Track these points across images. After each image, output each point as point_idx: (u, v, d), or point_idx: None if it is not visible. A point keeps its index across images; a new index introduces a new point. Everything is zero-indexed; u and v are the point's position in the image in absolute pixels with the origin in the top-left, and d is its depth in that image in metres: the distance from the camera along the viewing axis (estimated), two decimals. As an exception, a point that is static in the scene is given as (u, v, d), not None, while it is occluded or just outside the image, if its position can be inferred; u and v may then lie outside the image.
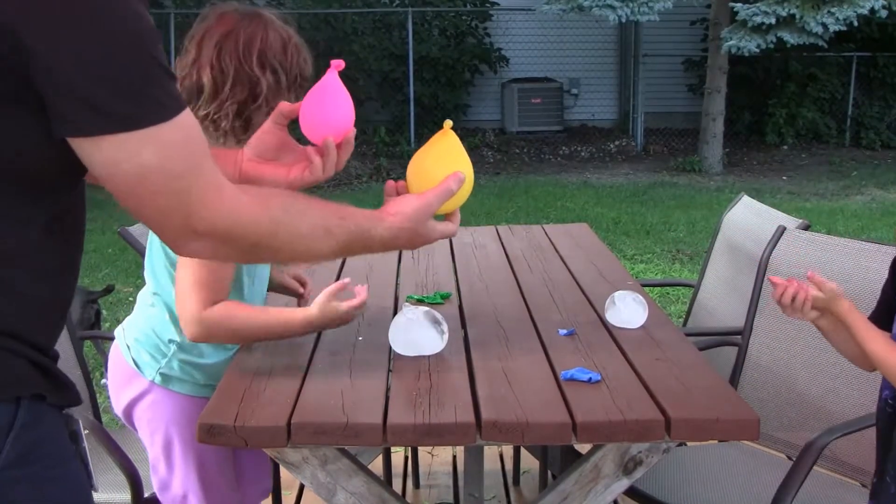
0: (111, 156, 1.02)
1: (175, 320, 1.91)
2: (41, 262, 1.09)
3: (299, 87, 1.90)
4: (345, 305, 1.87)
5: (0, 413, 1.04)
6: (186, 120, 1.07)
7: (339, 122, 1.49)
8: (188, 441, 1.96)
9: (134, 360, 1.97)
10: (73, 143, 1.02)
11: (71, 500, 1.14)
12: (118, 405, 2.04)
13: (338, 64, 1.49)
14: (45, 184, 1.05)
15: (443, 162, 1.53)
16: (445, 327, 1.90)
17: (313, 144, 1.51)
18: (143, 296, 2.01)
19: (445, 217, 1.56)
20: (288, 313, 1.92)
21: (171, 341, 1.95)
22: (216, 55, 1.84)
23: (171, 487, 2.02)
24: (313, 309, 1.87)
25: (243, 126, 1.86)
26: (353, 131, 1.52)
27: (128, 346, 1.99)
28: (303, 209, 1.27)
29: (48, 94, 0.98)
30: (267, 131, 1.56)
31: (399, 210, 1.44)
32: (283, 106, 1.54)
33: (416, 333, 1.88)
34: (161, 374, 1.96)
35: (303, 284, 2.24)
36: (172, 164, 1.05)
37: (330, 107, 1.49)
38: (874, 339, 1.73)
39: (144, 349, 1.97)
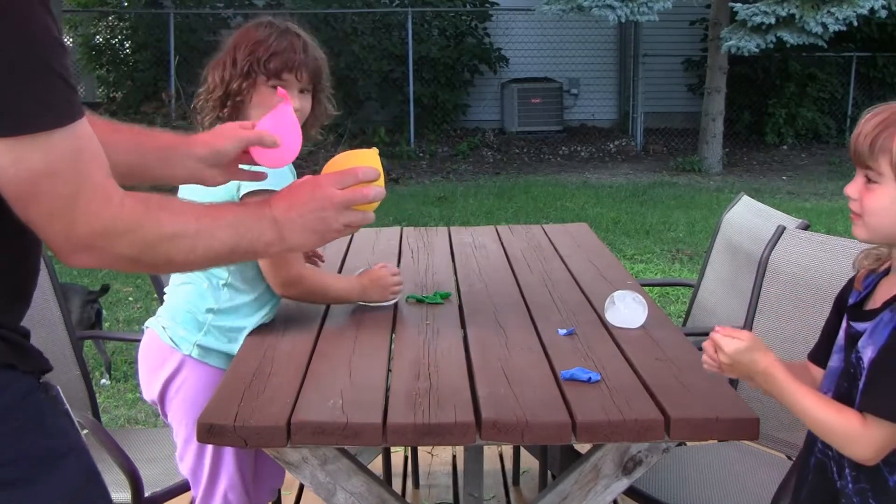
0: (0, 159, 1.05)
1: (213, 287, 2.02)
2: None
3: (256, 74, 2.01)
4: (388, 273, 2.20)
5: None
6: (81, 128, 1.10)
7: (292, 154, 1.63)
8: None
9: (171, 338, 2.03)
10: None
11: (49, 454, 1.18)
12: (152, 389, 2.08)
13: (283, 94, 1.69)
14: None
15: (346, 161, 1.54)
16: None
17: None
18: (174, 278, 2.10)
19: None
20: (346, 282, 2.24)
21: (208, 310, 2.02)
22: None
23: (204, 467, 2.04)
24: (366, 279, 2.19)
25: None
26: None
27: (163, 328, 2.06)
28: (184, 209, 1.27)
29: None
30: (224, 154, 1.62)
31: (281, 192, 1.41)
32: (243, 135, 1.61)
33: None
34: (198, 346, 2.01)
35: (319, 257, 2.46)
36: (62, 171, 1.08)
37: (285, 139, 1.60)
38: (803, 397, 1.45)
39: (180, 326, 2.03)
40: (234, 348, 2.03)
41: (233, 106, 2.02)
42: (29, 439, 1.15)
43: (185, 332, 2.03)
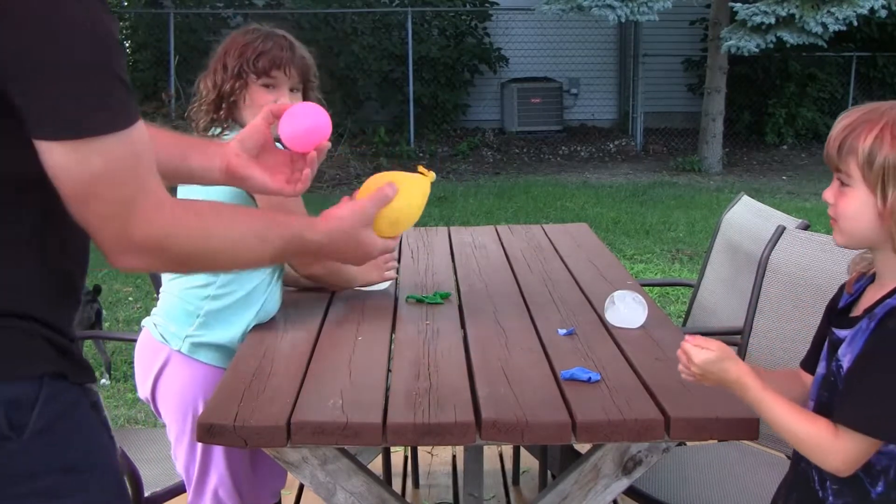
0: (61, 160, 1.07)
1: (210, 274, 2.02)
2: (48, 247, 1.15)
3: (247, 73, 2.06)
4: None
5: (25, 388, 1.12)
6: (138, 132, 1.12)
7: (322, 135, 1.60)
8: None
9: (161, 335, 2.05)
10: (35, 145, 1.07)
11: (92, 465, 1.21)
12: (145, 387, 2.09)
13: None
14: (33, 180, 1.10)
15: (392, 179, 1.61)
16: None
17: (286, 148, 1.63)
18: (168, 275, 2.12)
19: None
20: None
21: (206, 297, 2.03)
22: None
23: (194, 464, 2.05)
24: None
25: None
26: (328, 143, 1.62)
27: (154, 325, 2.08)
28: (236, 220, 1.32)
29: (16, 100, 1.04)
30: (255, 129, 1.62)
31: (333, 214, 1.49)
32: (273, 106, 1.63)
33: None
34: (189, 342, 2.02)
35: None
36: (120, 175, 1.10)
37: (311, 119, 1.61)
38: (774, 406, 1.42)
39: (172, 320, 2.04)
40: (226, 339, 2.04)
41: (227, 108, 2.08)
42: (72, 451, 1.17)
43: (176, 328, 2.03)
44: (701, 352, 1.44)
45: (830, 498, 1.46)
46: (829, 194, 1.43)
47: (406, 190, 1.60)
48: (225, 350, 2.04)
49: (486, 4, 12.58)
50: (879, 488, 1.41)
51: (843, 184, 1.40)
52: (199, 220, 1.24)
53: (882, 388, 1.35)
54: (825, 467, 1.41)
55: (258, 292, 2.09)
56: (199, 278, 2.04)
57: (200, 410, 1.98)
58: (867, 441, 1.35)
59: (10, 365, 1.12)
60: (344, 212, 1.50)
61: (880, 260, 1.42)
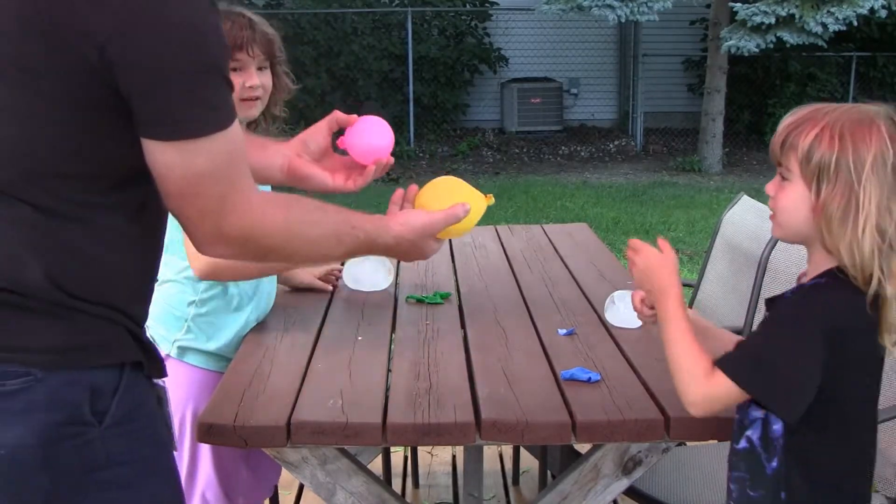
0: (170, 159, 1.12)
1: (192, 279, 2.00)
2: (135, 241, 1.21)
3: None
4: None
5: (108, 376, 1.17)
6: (235, 130, 1.17)
7: (385, 152, 1.64)
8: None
9: (151, 337, 2.00)
10: (143, 143, 1.12)
11: (158, 459, 1.26)
12: None
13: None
14: (134, 174, 1.15)
15: (460, 192, 1.63)
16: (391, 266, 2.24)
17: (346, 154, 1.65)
18: (160, 277, 2.07)
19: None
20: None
21: (190, 303, 2.01)
22: None
23: (183, 467, 2.02)
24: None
25: None
26: (390, 159, 1.66)
27: (146, 328, 2.04)
28: (318, 219, 1.36)
29: (130, 100, 1.09)
30: (319, 132, 1.66)
31: (407, 221, 1.51)
32: (339, 114, 1.66)
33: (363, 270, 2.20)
34: (177, 346, 2.01)
35: (332, 284, 2.40)
36: (220, 172, 1.16)
37: (377, 138, 1.64)
38: (677, 328, 1.47)
39: (160, 324, 2.02)
40: (215, 346, 2.02)
41: None
42: (144, 444, 1.22)
43: (165, 332, 2.02)
44: (652, 248, 1.54)
45: (730, 472, 1.50)
46: (770, 187, 1.48)
47: (472, 211, 1.62)
48: (214, 354, 2.04)
49: (486, 4, 12.58)
50: (774, 464, 1.43)
51: (783, 178, 1.44)
52: (284, 217, 1.28)
53: (759, 347, 1.42)
54: (684, 399, 1.46)
55: (244, 298, 2.08)
56: (182, 289, 2.02)
57: (189, 414, 1.99)
58: (731, 389, 1.39)
59: (97, 352, 1.16)
60: (416, 221, 1.51)
61: (811, 254, 1.46)
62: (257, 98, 2.03)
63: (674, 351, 1.47)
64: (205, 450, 2.01)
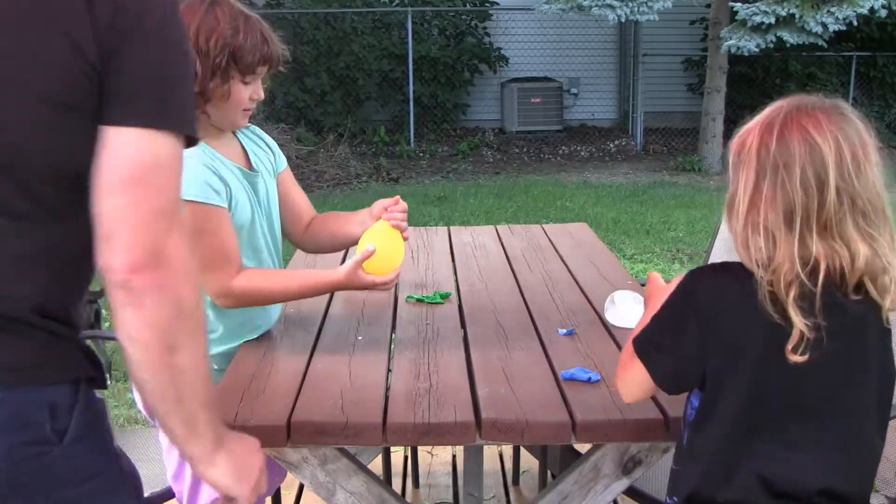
0: (130, 142, 1.10)
1: None
2: (82, 252, 1.16)
3: (233, 71, 1.89)
4: (378, 280, 1.95)
5: (64, 393, 1.15)
6: (183, 150, 1.16)
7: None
8: None
9: None
10: (104, 130, 1.10)
11: (120, 471, 1.25)
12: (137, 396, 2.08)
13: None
14: (88, 182, 1.13)
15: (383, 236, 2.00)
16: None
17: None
18: None
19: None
20: (313, 279, 2.04)
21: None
22: None
23: (183, 474, 2.01)
24: (342, 277, 1.94)
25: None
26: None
27: None
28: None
29: (117, 89, 1.09)
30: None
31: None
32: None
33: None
34: None
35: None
36: (168, 176, 1.14)
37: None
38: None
39: None
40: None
41: (202, 106, 1.90)
42: (105, 457, 1.22)
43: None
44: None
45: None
46: None
47: (388, 249, 1.95)
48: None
49: (486, 4, 12.57)
50: (685, 436, 1.46)
51: None
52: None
53: (654, 319, 1.44)
54: (614, 379, 1.53)
55: (223, 322, 2.02)
56: None
57: None
58: (641, 366, 1.43)
59: (52, 368, 1.14)
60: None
61: None
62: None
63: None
64: None
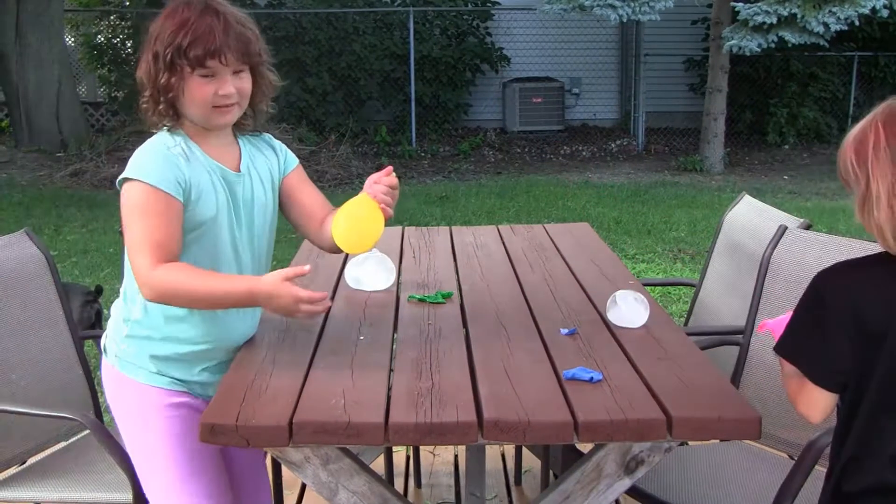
0: None
1: (129, 297, 1.97)
2: None
3: (181, 65, 1.84)
4: (303, 293, 1.80)
5: None
6: None
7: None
8: (153, 431, 1.94)
9: (104, 344, 2.06)
10: None
11: None
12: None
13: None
14: None
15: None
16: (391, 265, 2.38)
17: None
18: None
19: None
20: (230, 284, 1.88)
21: (125, 320, 1.99)
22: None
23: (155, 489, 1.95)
24: (263, 285, 1.82)
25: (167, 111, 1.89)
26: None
27: (106, 335, 2.08)
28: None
29: None
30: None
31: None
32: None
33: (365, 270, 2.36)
34: (117, 357, 2.00)
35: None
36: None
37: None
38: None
39: (110, 335, 2.04)
40: (151, 365, 1.96)
41: (166, 102, 1.87)
42: None
43: (112, 344, 2.02)
44: None
45: None
46: None
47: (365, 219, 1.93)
48: (152, 371, 1.97)
49: (488, 4, 12.57)
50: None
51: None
52: None
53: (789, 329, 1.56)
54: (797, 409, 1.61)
55: (178, 325, 1.96)
56: (125, 302, 2.00)
57: (137, 429, 1.96)
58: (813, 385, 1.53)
59: None
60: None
61: None
62: (233, 104, 1.91)
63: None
64: (185, 471, 1.92)
